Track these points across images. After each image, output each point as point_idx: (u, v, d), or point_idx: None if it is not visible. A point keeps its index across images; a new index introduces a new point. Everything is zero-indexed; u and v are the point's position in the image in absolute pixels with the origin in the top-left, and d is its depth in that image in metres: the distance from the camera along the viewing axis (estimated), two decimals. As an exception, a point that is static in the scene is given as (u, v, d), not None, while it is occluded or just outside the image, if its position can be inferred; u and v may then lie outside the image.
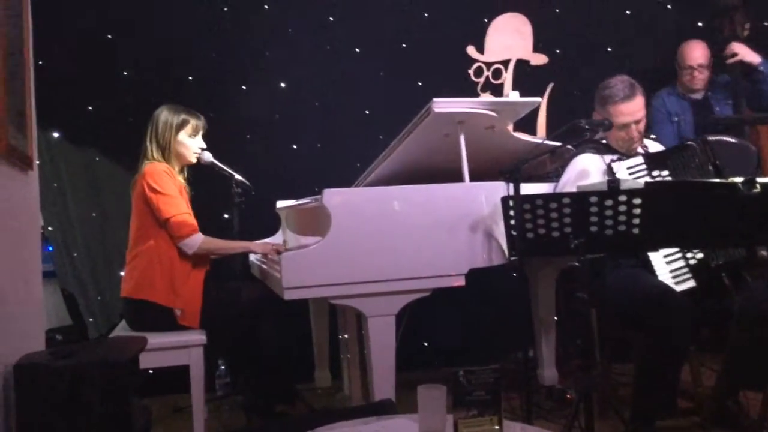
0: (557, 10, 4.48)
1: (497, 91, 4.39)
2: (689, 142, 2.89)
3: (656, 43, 4.20)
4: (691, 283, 2.76)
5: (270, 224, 3.97)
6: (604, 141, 3.05)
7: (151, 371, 3.10)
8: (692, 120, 3.98)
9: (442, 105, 2.77)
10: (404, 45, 4.30)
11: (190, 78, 3.96)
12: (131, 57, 3.86)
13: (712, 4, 4.01)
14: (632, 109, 2.90)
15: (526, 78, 4.40)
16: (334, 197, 2.61)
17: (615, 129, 2.91)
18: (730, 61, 3.85)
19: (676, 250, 2.80)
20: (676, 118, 3.98)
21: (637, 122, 2.92)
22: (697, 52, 3.98)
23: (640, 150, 3.01)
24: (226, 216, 3.83)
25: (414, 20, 4.30)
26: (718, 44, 3.97)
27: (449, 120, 2.85)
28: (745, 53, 3.82)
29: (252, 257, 3.70)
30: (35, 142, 2.57)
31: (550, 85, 4.42)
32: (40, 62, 3.39)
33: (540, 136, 4.20)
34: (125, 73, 3.87)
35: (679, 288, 2.75)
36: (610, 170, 2.92)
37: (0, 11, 2.04)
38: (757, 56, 3.83)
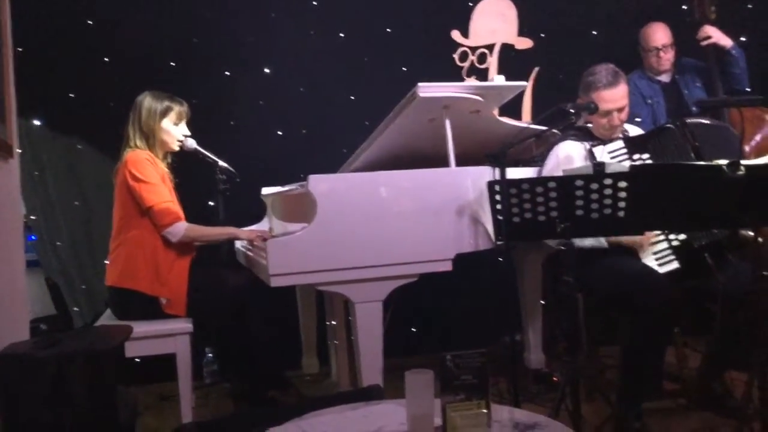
0: (542, -6, 4.47)
1: (482, 75, 4.38)
2: (668, 125, 2.90)
3: (642, 27, 4.19)
4: (675, 265, 2.77)
5: (255, 211, 3.96)
6: (590, 125, 3.05)
7: (137, 360, 3.09)
8: (664, 103, 3.99)
9: (428, 89, 2.76)
10: (389, 30, 4.27)
11: (173, 64, 3.91)
12: (112, 43, 3.80)
13: None
14: (615, 96, 2.91)
15: (511, 62, 4.39)
16: (319, 183, 2.60)
17: (597, 116, 2.92)
18: (704, 43, 3.86)
19: (659, 231, 2.81)
20: (649, 101, 3.99)
21: (619, 110, 2.93)
22: (659, 33, 3.97)
23: (619, 134, 3.02)
24: (211, 203, 3.80)
25: (398, 4, 4.27)
26: (688, 27, 3.98)
27: (435, 104, 2.84)
28: (718, 36, 3.84)
29: (238, 244, 3.68)
30: (15, 130, 2.54)
31: (536, 70, 4.41)
32: (20, 49, 3.35)
33: (525, 121, 4.20)
34: (106, 59, 3.81)
35: (662, 270, 2.76)
36: (591, 155, 2.92)
37: (-24, -4, 2.00)
38: (729, 39, 3.85)
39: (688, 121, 2.85)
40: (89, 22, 3.79)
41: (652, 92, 3.98)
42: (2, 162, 2.34)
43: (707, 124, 2.89)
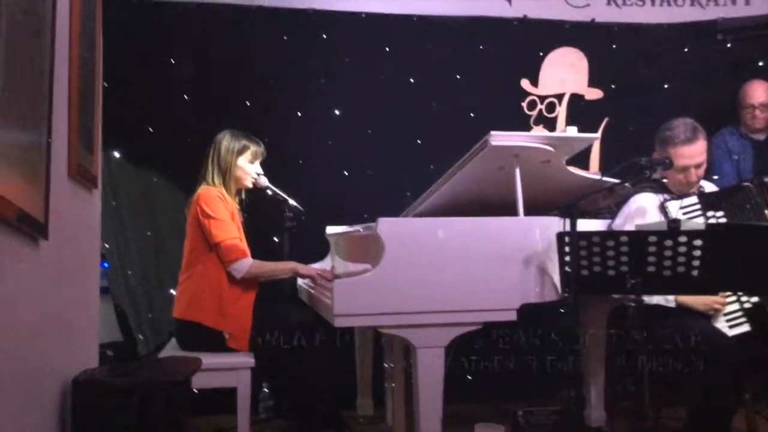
0: (613, 46, 4.46)
1: (550, 124, 4.37)
2: (745, 183, 2.84)
3: (714, 81, 4.15)
4: (746, 328, 2.71)
5: (319, 249, 3.99)
6: (665, 180, 3.00)
7: (195, 391, 3.13)
8: (752, 160, 3.92)
9: (499, 138, 2.76)
10: (458, 76, 4.32)
11: (248, 103, 4.03)
12: (192, 81, 3.96)
13: None
14: (693, 153, 2.86)
15: (581, 112, 4.37)
16: (388, 226, 2.61)
17: (674, 171, 2.87)
18: None
19: (731, 293, 2.75)
20: (735, 157, 3.93)
21: (697, 166, 2.88)
22: (758, 92, 3.95)
23: (695, 190, 2.97)
24: (275, 239, 3.86)
25: (469, 52, 4.32)
26: None
27: (505, 153, 2.85)
28: None
29: (300, 281, 3.72)
30: (100, 161, 2.65)
31: (605, 120, 4.39)
32: (105, 83, 3.51)
33: (593, 171, 4.16)
34: (186, 96, 3.96)
35: (732, 332, 2.70)
36: (663, 209, 2.87)
37: (77, 33, 2.11)
38: None
39: (766, 180, 2.79)
40: (172, 60, 3.95)
41: (741, 149, 3.93)
42: (87, 192, 2.44)
43: None
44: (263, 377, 3.61)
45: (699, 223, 2.44)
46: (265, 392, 3.71)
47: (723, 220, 2.79)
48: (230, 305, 3.04)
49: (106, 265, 3.85)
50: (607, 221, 3.11)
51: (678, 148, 2.86)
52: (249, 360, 2.95)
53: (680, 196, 2.90)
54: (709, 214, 2.82)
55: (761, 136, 3.98)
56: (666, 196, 2.92)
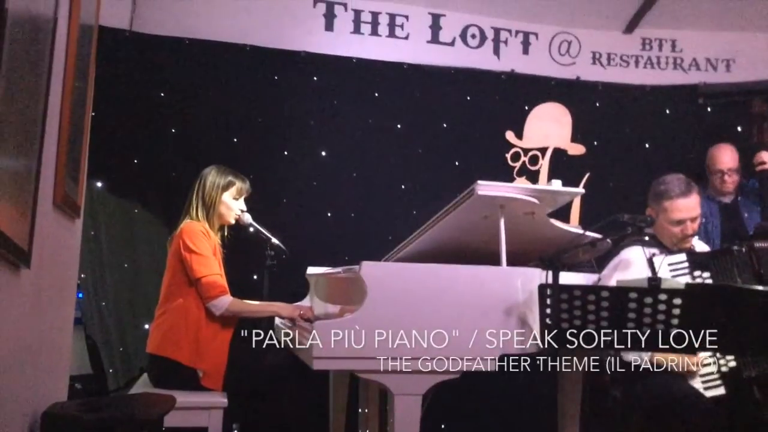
0: (597, 104, 4.56)
1: (533, 176, 4.44)
2: (734, 247, 2.86)
3: (694, 144, 4.24)
4: (721, 391, 2.71)
5: (298, 289, 3.96)
6: (647, 237, 3.03)
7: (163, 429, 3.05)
8: (720, 224, 3.94)
9: (486, 188, 2.78)
10: (444, 125, 4.38)
11: (235, 140, 4.05)
12: (181, 116, 3.97)
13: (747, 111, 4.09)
14: (689, 206, 2.89)
15: (563, 166, 4.45)
16: (371, 270, 2.60)
17: (669, 225, 2.89)
18: (759, 169, 3.86)
19: (708, 354, 2.76)
20: (704, 220, 3.94)
21: (693, 219, 2.91)
22: (726, 156, 3.95)
23: (690, 245, 3.00)
24: (255, 277, 3.83)
25: (456, 102, 4.40)
26: (747, 151, 3.99)
27: (491, 203, 2.86)
28: None
29: (277, 321, 3.67)
30: (84, 192, 2.63)
31: (586, 176, 4.45)
32: (93, 113, 3.50)
33: (573, 225, 4.20)
34: (173, 130, 3.96)
35: (708, 394, 2.69)
36: (650, 265, 2.89)
37: (73, 64, 2.11)
38: None
39: (756, 245, 2.81)
40: (162, 94, 3.96)
41: (709, 212, 3.94)
42: (70, 222, 2.41)
43: None
44: (234, 418, 3.54)
45: (680, 282, 2.46)
46: (235, 435, 3.63)
47: (709, 281, 2.81)
48: (207, 342, 2.99)
49: (80, 295, 3.80)
50: (586, 275, 3.12)
51: (674, 201, 2.88)
52: (222, 400, 2.89)
53: (673, 251, 2.92)
54: (696, 273, 2.83)
55: (727, 199, 4.02)
56: (655, 250, 2.94)
